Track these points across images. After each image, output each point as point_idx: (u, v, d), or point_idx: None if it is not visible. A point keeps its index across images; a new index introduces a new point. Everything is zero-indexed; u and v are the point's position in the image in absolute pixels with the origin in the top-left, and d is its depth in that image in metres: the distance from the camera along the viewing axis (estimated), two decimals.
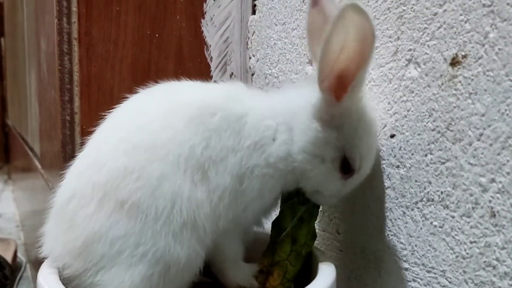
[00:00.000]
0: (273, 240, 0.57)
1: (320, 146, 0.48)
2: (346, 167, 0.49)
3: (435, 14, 0.46)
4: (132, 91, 0.54)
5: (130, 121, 0.49)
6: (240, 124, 0.49)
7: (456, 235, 0.45)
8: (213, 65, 0.78)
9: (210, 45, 0.77)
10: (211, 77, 0.78)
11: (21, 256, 1.40)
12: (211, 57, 0.78)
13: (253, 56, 0.80)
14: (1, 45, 2.49)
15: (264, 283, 0.54)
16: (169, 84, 0.53)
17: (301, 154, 0.49)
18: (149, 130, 0.47)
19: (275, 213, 0.59)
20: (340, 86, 0.46)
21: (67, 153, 0.68)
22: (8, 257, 1.26)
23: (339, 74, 0.46)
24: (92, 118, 0.58)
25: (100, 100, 0.69)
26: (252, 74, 0.81)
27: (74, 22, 0.66)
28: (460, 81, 0.44)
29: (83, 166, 0.48)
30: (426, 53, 0.47)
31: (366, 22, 0.42)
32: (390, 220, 0.52)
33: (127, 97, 0.52)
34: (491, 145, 0.41)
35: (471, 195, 0.43)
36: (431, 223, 0.47)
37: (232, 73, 0.80)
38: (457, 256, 0.45)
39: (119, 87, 0.70)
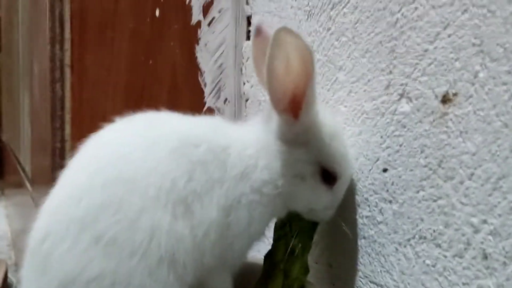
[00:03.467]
0: (265, 273, 0.56)
1: (295, 166, 0.50)
2: (328, 177, 0.50)
3: (426, 50, 0.46)
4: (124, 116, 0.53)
5: (108, 151, 0.47)
6: (225, 155, 0.49)
7: (448, 275, 0.44)
8: (207, 91, 0.78)
9: (204, 71, 0.77)
10: (205, 103, 0.78)
11: (11, 277, 1.38)
12: (205, 83, 0.77)
13: (247, 82, 0.80)
14: None
15: None
16: (148, 115, 0.52)
17: (281, 178, 0.49)
18: (129, 161, 0.46)
19: (268, 244, 0.58)
20: (294, 105, 0.48)
21: (56, 179, 0.67)
22: None
23: (289, 95, 0.47)
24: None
25: (92, 126, 0.68)
26: (246, 100, 0.81)
27: (67, 49, 0.66)
28: (451, 119, 0.43)
29: (56, 203, 0.46)
30: (417, 89, 0.47)
31: (300, 41, 0.44)
32: (383, 256, 0.52)
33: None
34: (482, 185, 0.40)
35: (463, 235, 0.42)
36: (424, 261, 0.47)
37: (226, 99, 0.79)
38: None
39: (111, 113, 0.69)
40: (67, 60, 0.66)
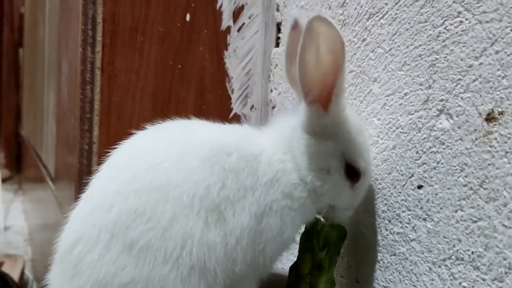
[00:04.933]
0: (290, 285, 0.56)
1: (321, 159, 0.50)
2: (352, 173, 0.51)
3: (470, 66, 0.45)
4: (151, 121, 0.53)
5: (139, 160, 0.47)
6: (256, 163, 0.49)
7: None
8: (234, 97, 0.77)
9: (232, 77, 0.76)
10: (231, 109, 0.77)
11: (28, 273, 1.39)
12: (233, 89, 0.77)
13: (275, 89, 0.79)
14: (19, 56, 2.53)
15: None
16: (179, 123, 0.52)
17: (309, 173, 0.50)
18: (162, 170, 0.46)
19: (293, 256, 0.57)
20: (324, 97, 0.48)
21: (83, 182, 0.67)
22: (15, 275, 1.25)
23: (320, 85, 0.48)
24: (110, 148, 0.58)
25: (119, 130, 0.68)
26: (273, 107, 0.80)
27: (98, 51, 0.66)
28: (495, 138, 0.42)
29: (88, 209, 0.46)
30: (459, 105, 0.46)
31: (333, 31, 0.45)
32: (415, 274, 0.50)
33: (145, 128, 0.51)
34: None
35: (504, 259, 0.41)
36: (460, 283, 0.45)
37: (253, 106, 0.79)
38: None
39: (138, 117, 0.70)
40: (98, 63, 0.66)
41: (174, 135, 0.50)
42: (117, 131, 0.68)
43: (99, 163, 0.67)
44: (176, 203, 0.44)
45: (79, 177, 0.68)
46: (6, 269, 1.30)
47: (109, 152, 0.51)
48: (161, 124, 0.52)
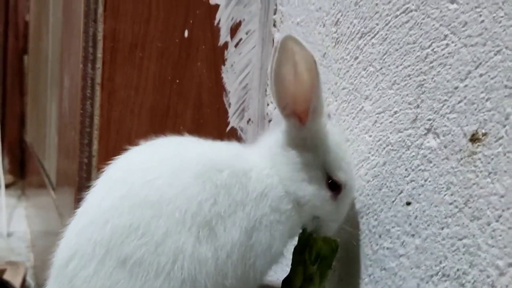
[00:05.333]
0: None
1: (302, 169, 0.52)
2: (333, 185, 0.53)
3: (456, 88, 0.46)
4: (150, 135, 0.54)
5: (133, 176, 0.49)
6: (247, 179, 0.51)
7: None
8: (231, 111, 0.79)
9: (229, 92, 0.78)
10: (228, 123, 0.79)
11: (29, 280, 1.41)
12: (230, 103, 0.78)
13: (271, 103, 0.81)
14: (23, 63, 2.56)
15: None
16: (172, 140, 0.54)
17: (291, 183, 0.52)
18: (155, 186, 0.47)
19: (288, 268, 0.58)
20: (301, 111, 0.51)
21: (82, 194, 0.69)
22: (17, 282, 1.26)
23: (296, 100, 0.51)
24: (109, 161, 0.59)
25: (118, 144, 0.70)
26: (269, 121, 0.81)
27: (99, 68, 0.68)
28: (479, 159, 0.43)
29: (83, 224, 0.48)
30: (445, 125, 0.47)
31: (305, 50, 0.48)
32: None
33: (142, 143, 0.53)
34: (510, 228, 0.40)
35: (488, 276, 0.42)
36: None
37: (250, 119, 0.80)
38: None
39: (137, 131, 0.71)
40: (98, 78, 0.68)
41: (168, 151, 0.52)
42: (116, 145, 0.70)
43: (98, 176, 0.69)
44: (169, 219, 0.46)
45: (78, 190, 0.70)
46: (8, 276, 1.32)
47: (108, 165, 0.53)
48: (155, 140, 0.53)
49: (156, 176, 0.48)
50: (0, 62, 2.50)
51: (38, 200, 1.55)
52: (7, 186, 2.22)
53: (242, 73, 0.79)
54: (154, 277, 0.44)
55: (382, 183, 0.55)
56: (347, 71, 0.62)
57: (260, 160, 0.53)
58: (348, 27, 0.62)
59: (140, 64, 0.71)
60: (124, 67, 0.70)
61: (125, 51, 0.70)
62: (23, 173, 2.46)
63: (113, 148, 0.69)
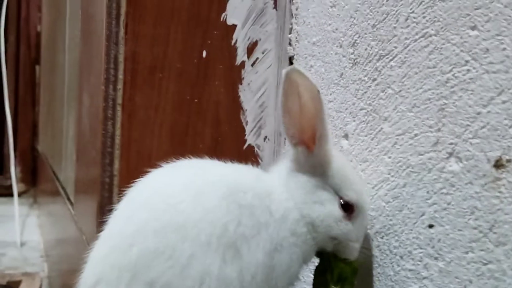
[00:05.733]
0: None
1: (313, 193, 0.54)
2: (345, 206, 0.54)
3: (478, 113, 0.46)
4: (170, 154, 0.55)
5: (156, 199, 0.49)
6: (269, 201, 0.52)
7: None
8: (248, 128, 0.79)
9: (246, 110, 0.79)
10: (245, 140, 0.79)
11: None
12: (247, 121, 0.79)
13: None
14: (35, 73, 2.59)
15: None
16: (192, 162, 0.55)
17: (304, 206, 0.53)
18: (179, 210, 0.48)
19: (305, 277, 0.59)
20: (308, 139, 0.53)
21: (104, 213, 0.70)
22: None
23: (303, 129, 0.53)
24: (130, 181, 0.60)
25: (138, 163, 0.71)
26: (285, 139, 0.82)
27: (119, 89, 0.69)
28: (504, 185, 0.44)
29: (106, 249, 0.48)
30: (468, 150, 0.47)
31: (309, 81, 0.50)
32: None
33: (163, 163, 0.54)
34: None
35: None
36: None
37: (266, 137, 0.81)
38: None
39: (157, 150, 0.72)
40: (119, 99, 0.69)
41: (190, 174, 0.53)
42: (137, 164, 0.71)
43: (120, 195, 0.70)
44: (194, 242, 0.46)
45: (100, 209, 0.71)
46: (23, 287, 1.33)
47: (130, 185, 0.53)
48: (176, 163, 0.54)
49: (180, 200, 0.49)
50: (12, 72, 2.54)
51: (50, 208, 1.56)
52: (19, 194, 2.24)
53: (259, 91, 0.80)
54: None
55: (403, 205, 0.56)
56: (365, 92, 0.63)
57: (278, 183, 0.55)
58: (366, 49, 0.63)
59: (159, 84, 0.72)
60: (144, 88, 0.71)
61: (145, 73, 0.71)
62: (35, 182, 2.48)
63: (134, 167, 0.71)
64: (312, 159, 0.54)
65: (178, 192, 0.50)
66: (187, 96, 0.74)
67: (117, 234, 0.49)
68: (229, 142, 0.77)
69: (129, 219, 0.49)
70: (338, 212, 0.54)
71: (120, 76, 0.69)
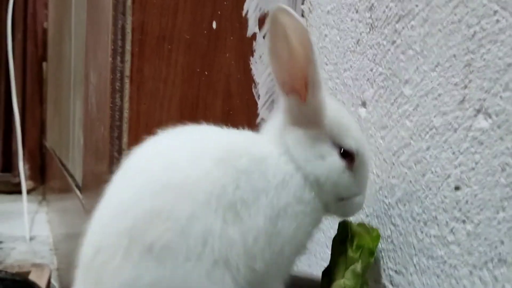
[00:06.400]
0: None
1: (312, 146, 0.51)
2: (345, 154, 0.51)
3: (509, 65, 0.44)
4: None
5: (154, 162, 0.47)
6: (265, 166, 0.49)
7: None
8: (260, 102, 0.77)
9: (258, 83, 0.77)
10: (257, 115, 0.77)
11: (54, 282, 1.41)
12: (259, 94, 0.77)
13: None
14: (42, 70, 2.59)
15: None
16: (189, 128, 0.53)
17: (306, 164, 0.50)
18: (177, 169, 0.46)
19: (320, 259, 0.56)
20: (300, 87, 0.50)
21: None
22: (43, 284, 1.26)
23: (294, 77, 0.49)
24: None
25: (147, 137, 0.69)
26: None
27: (127, 60, 0.67)
28: None
29: (105, 217, 0.46)
30: (498, 104, 0.45)
31: (297, 22, 0.46)
32: (455, 278, 0.49)
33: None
34: None
35: None
36: (503, 286, 0.44)
37: None
38: None
39: (166, 124, 0.69)
40: (127, 71, 0.67)
41: (187, 139, 0.51)
42: (145, 138, 0.69)
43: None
44: (193, 201, 0.44)
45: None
46: (33, 278, 1.32)
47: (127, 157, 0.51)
48: (173, 129, 0.52)
49: (178, 162, 0.47)
50: (20, 69, 2.53)
51: (60, 205, 1.55)
52: (28, 192, 2.23)
53: None
54: (184, 260, 0.43)
55: (426, 169, 0.53)
56: (384, 57, 0.60)
57: (274, 146, 0.52)
58: (384, 11, 0.60)
59: (168, 56, 0.70)
60: (152, 60, 0.69)
61: (153, 44, 0.69)
62: (43, 179, 2.48)
63: (143, 141, 0.68)
64: (306, 109, 0.50)
65: (176, 155, 0.48)
66: (197, 68, 0.72)
67: (115, 202, 0.47)
68: (241, 116, 0.75)
69: (127, 185, 0.47)
70: (339, 162, 0.50)
71: (128, 47, 0.67)
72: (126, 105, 0.68)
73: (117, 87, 0.67)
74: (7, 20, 2.14)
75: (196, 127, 0.53)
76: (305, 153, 0.50)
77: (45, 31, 2.53)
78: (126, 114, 0.68)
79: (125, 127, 0.68)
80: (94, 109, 0.81)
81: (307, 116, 0.51)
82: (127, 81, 0.68)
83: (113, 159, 0.68)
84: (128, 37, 0.67)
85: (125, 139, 0.69)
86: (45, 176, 2.39)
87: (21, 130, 2.16)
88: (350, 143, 0.51)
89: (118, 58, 0.67)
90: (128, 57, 0.67)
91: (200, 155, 0.47)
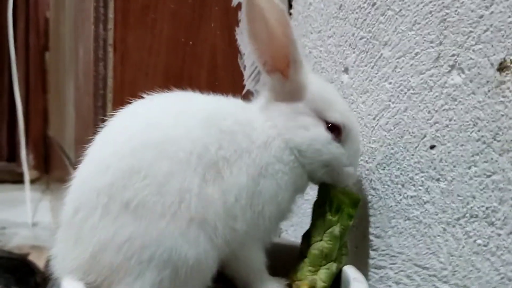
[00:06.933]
0: (302, 254, 0.55)
1: (296, 118, 0.51)
2: (332, 129, 0.51)
3: (481, 16, 0.43)
4: None
5: (136, 121, 0.48)
6: (250, 128, 0.50)
7: (502, 254, 0.41)
8: (246, 74, 0.77)
9: (244, 54, 0.76)
10: (244, 86, 0.77)
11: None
12: (245, 65, 0.77)
13: None
14: (45, 59, 2.59)
15: None
16: (174, 93, 0.53)
17: (288, 132, 0.51)
18: (160, 127, 0.46)
19: (308, 225, 0.56)
20: (281, 65, 0.50)
21: None
22: (41, 264, 1.28)
23: (274, 55, 0.50)
24: None
25: None
26: None
27: (110, 28, 0.67)
28: (508, 88, 0.41)
29: (85, 175, 0.47)
30: (471, 58, 0.44)
31: (272, 3, 0.47)
32: (429, 237, 0.49)
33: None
34: None
35: None
36: (475, 241, 0.44)
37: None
38: (502, 278, 0.41)
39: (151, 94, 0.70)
40: (110, 40, 0.67)
41: (171, 100, 0.51)
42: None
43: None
44: (173, 159, 0.44)
45: None
46: (32, 259, 1.33)
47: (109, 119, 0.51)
48: (158, 94, 0.52)
49: (160, 120, 0.47)
50: (22, 59, 2.53)
51: (62, 193, 1.56)
52: (32, 181, 2.24)
53: None
54: (159, 217, 0.43)
55: (404, 130, 0.53)
56: (365, 20, 0.60)
57: (259, 113, 0.53)
58: None
59: (152, 25, 0.70)
60: (136, 29, 0.69)
61: (137, 12, 0.69)
62: (47, 169, 2.49)
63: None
64: (289, 85, 0.51)
65: (158, 114, 0.48)
66: (181, 38, 0.72)
67: (95, 159, 0.47)
68: (226, 87, 0.75)
69: (107, 143, 0.47)
70: (324, 134, 0.51)
71: (111, 15, 0.67)
72: (110, 73, 0.68)
73: (100, 55, 0.68)
74: (8, 10, 2.15)
75: (179, 92, 0.53)
76: (286, 123, 0.51)
77: (47, 20, 2.53)
78: (110, 83, 0.68)
79: (109, 96, 0.69)
80: (82, 82, 0.81)
81: (290, 92, 0.51)
82: (110, 49, 0.68)
83: (98, 129, 0.69)
84: (111, 4, 0.67)
85: (109, 108, 0.69)
86: (49, 166, 2.40)
87: (25, 120, 2.16)
88: (335, 117, 0.51)
89: (101, 25, 0.67)
90: (111, 25, 0.67)
91: (183, 115, 0.48)
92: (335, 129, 0.51)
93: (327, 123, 0.51)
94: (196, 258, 0.44)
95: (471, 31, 0.44)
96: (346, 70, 0.64)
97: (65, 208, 0.48)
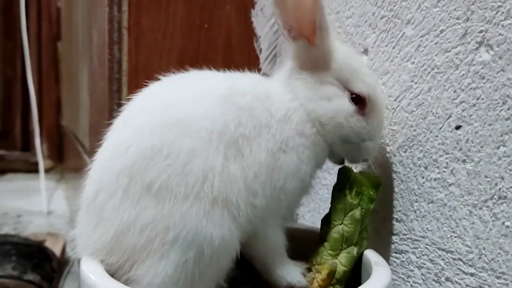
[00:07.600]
0: (322, 238, 0.54)
1: (319, 88, 0.50)
2: (357, 100, 0.50)
3: None
4: None
5: (155, 103, 0.47)
6: (269, 103, 0.49)
7: None
8: (262, 56, 0.76)
9: (260, 36, 0.75)
10: (260, 69, 0.76)
11: (69, 251, 1.44)
12: (261, 48, 0.75)
13: None
14: (57, 49, 2.60)
15: (312, 283, 0.51)
16: (191, 72, 0.52)
17: (310, 103, 0.50)
18: (180, 107, 0.46)
19: (325, 210, 0.55)
20: (308, 31, 0.49)
21: None
22: (57, 251, 1.29)
23: (300, 21, 0.49)
24: None
25: None
26: None
27: (125, 11, 0.66)
28: None
29: (105, 157, 0.46)
30: (500, 34, 0.42)
31: None
32: (454, 220, 0.48)
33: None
34: None
35: None
36: (503, 223, 0.42)
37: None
38: None
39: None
40: (125, 22, 0.66)
41: (188, 80, 0.50)
42: None
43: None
44: (195, 137, 0.44)
45: None
46: (48, 245, 1.35)
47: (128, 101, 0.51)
48: (175, 74, 0.51)
49: (180, 99, 0.47)
50: (35, 48, 2.54)
51: (76, 182, 1.57)
52: (47, 170, 2.26)
53: (273, 17, 0.75)
54: (183, 199, 0.42)
55: (428, 111, 0.51)
56: None
57: (279, 86, 0.52)
58: None
59: (166, 8, 0.69)
60: (150, 11, 0.68)
61: None
62: (61, 158, 2.51)
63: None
64: (315, 53, 0.49)
65: (177, 94, 0.48)
66: (196, 21, 0.71)
67: (115, 141, 0.46)
68: (242, 70, 0.73)
69: (127, 125, 0.47)
70: (348, 106, 0.50)
71: None
72: (125, 57, 0.67)
73: (115, 39, 0.67)
74: (20, 0, 2.15)
75: (196, 72, 0.52)
76: (309, 93, 0.50)
77: (59, 10, 2.52)
78: (125, 66, 0.68)
79: (124, 80, 0.68)
80: (97, 66, 0.81)
81: (315, 60, 0.50)
82: (125, 32, 0.67)
83: (113, 112, 0.68)
84: None
85: (124, 92, 0.68)
86: (63, 155, 2.42)
87: (38, 110, 2.17)
88: (361, 88, 0.50)
89: (115, 8, 0.66)
90: (125, 7, 0.66)
91: (202, 94, 0.47)
92: (360, 101, 0.50)
93: (351, 93, 0.50)
94: (222, 238, 0.43)
95: (499, 6, 0.42)
96: (365, 51, 0.62)
97: (85, 190, 0.47)
